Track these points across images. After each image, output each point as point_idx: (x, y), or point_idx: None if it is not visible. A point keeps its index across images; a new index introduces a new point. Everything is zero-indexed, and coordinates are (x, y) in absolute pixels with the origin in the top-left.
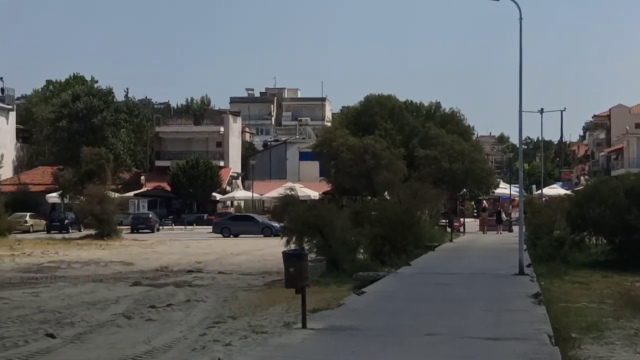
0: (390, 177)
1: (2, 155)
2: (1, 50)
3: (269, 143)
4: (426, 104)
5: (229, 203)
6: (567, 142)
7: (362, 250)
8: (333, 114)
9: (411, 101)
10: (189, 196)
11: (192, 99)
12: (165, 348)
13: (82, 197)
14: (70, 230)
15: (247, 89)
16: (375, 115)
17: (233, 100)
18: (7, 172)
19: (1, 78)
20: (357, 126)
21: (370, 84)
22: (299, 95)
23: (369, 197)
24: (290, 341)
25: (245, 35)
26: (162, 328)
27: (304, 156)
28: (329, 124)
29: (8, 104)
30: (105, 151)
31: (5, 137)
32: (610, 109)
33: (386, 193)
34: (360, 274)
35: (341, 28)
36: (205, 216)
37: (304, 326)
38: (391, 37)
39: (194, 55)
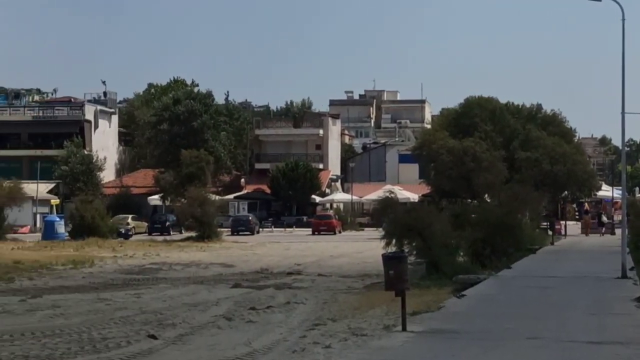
0: (491, 180)
1: (105, 158)
2: (105, 54)
3: (368, 145)
4: (527, 105)
5: (328, 205)
6: None
7: (462, 253)
8: (432, 116)
9: (512, 103)
10: (288, 198)
11: (291, 102)
12: (266, 350)
13: (183, 200)
14: (172, 233)
15: (347, 92)
16: (476, 117)
17: (332, 103)
18: (109, 175)
19: (104, 82)
20: (457, 128)
21: (471, 85)
22: (399, 98)
23: (469, 200)
24: (390, 344)
25: (345, 37)
26: (262, 330)
27: (403, 158)
28: (428, 126)
29: (110, 108)
30: (205, 154)
31: (108, 140)
32: None
33: (486, 196)
34: (460, 277)
35: (441, 29)
36: (305, 218)
37: (403, 329)
38: (492, 38)
39: (294, 58)
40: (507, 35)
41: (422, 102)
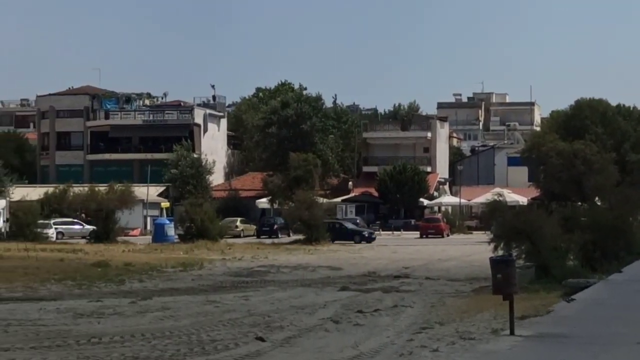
0: (602, 183)
1: (214, 162)
2: (214, 59)
3: (476, 148)
4: (639, 108)
5: (436, 208)
6: None
7: (571, 257)
8: (542, 119)
9: (623, 105)
10: (396, 201)
11: (399, 105)
12: (373, 353)
13: (291, 203)
14: (280, 235)
15: (455, 94)
16: (586, 120)
17: (440, 106)
18: (218, 178)
19: (213, 86)
20: (567, 131)
21: (581, 87)
22: (507, 100)
23: (579, 203)
24: (498, 348)
25: (453, 39)
26: (369, 333)
27: (512, 161)
28: (537, 129)
29: (219, 111)
30: (313, 157)
31: (217, 144)
32: None
33: (597, 199)
34: (570, 281)
35: (550, 30)
36: (413, 221)
37: (511, 333)
38: (602, 38)
39: (402, 60)
40: (618, 36)
41: (532, 104)
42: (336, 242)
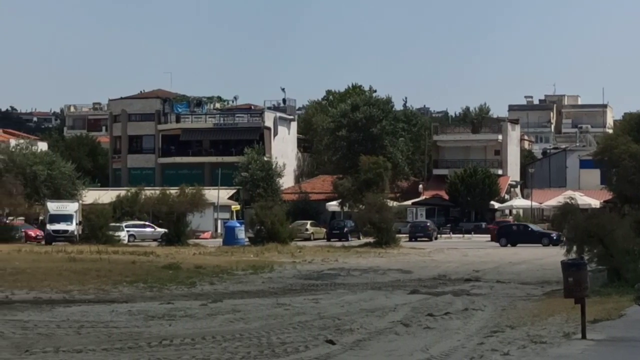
0: None
1: (284, 165)
2: (284, 62)
3: (548, 151)
4: None
5: (507, 212)
6: None
7: None
8: (615, 121)
9: None
10: (466, 204)
11: (469, 107)
12: (443, 356)
13: (361, 206)
14: (350, 238)
15: (526, 97)
16: None
17: (511, 108)
18: (288, 181)
19: (283, 89)
20: None
21: None
22: (579, 102)
23: None
24: (569, 352)
25: (524, 42)
26: (439, 336)
27: (584, 164)
28: (610, 131)
29: (290, 115)
30: (383, 160)
31: (287, 147)
32: None
33: None
34: None
35: (623, 31)
36: (484, 225)
37: (583, 337)
38: None
39: (473, 63)
40: None
41: (604, 106)
42: (520, 244)
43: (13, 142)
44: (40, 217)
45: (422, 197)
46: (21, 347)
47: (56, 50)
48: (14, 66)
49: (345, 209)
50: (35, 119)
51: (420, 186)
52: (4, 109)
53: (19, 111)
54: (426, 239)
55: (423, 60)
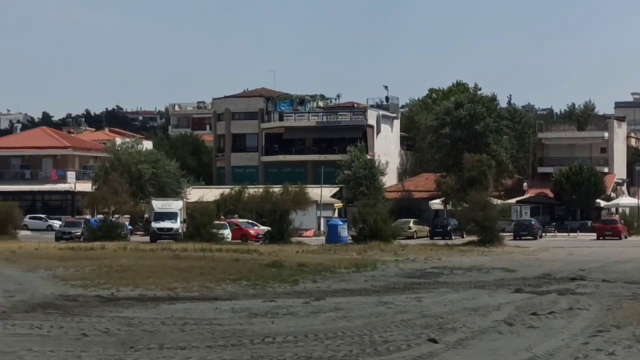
0: None
1: (387, 163)
2: (387, 59)
3: None
4: None
5: (613, 210)
6: None
7: None
8: None
9: None
10: (572, 203)
11: (575, 104)
12: (547, 356)
13: (464, 204)
14: (453, 237)
15: (633, 94)
16: None
17: (618, 105)
18: (391, 179)
19: (386, 87)
20: None
21: None
22: None
23: None
24: None
25: (633, 38)
26: (543, 336)
27: None
28: None
29: (392, 112)
30: (487, 158)
31: (390, 145)
32: None
33: None
34: None
35: None
36: (589, 223)
37: None
38: None
39: (578, 60)
40: None
41: None
42: None
43: (119, 140)
44: (145, 215)
45: (526, 195)
46: (126, 344)
47: (161, 49)
48: (120, 66)
49: (449, 207)
50: (140, 118)
51: (525, 184)
52: (110, 108)
53: (124, 110)
54: (530, 238)
55: (527, 57)
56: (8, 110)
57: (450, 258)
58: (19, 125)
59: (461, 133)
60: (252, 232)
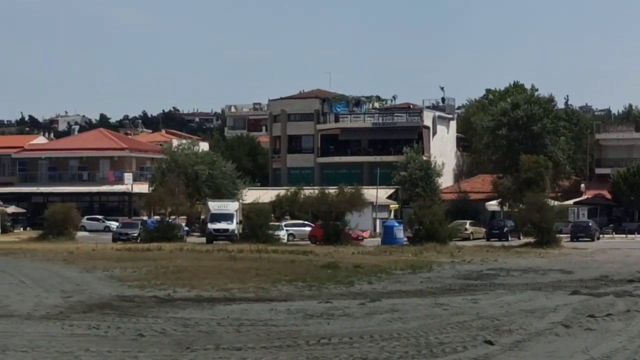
0: None
1: (443, 164)
2: (443, 60)
3: None
4: None
5: None
6: None
7: None
8: None
9: None
10: (630, 204)
11: (633, 105)
12: (604, 358)
13: (521, 205)
14: (510, 238)
15: None
16: None
17: None
18: (447, 180)
19: (442, 88)
20: None
21: None
22: None
23: None
24: None
25: None
26: (600, 338)
27: None
28: None
29: (449, 114)
30: (544, 159)
31: (446, 146)
32: None
33: None
34: None
35: None
36: None
37: None
38: None
39: (635, 60)
40: None
41: None
42: None
43: (175, 142)
44: (202, 216)
45: (583, 197)
46: (182, 344)
47: (218, 51)
48: (177, 68)
49: (505, 208)
50: (197, 119)
51: (582, 185)
52: (167, 110)
53: (181, 112)
54: (588, 239)
55: (585, 58)
56: (66, 112)
57: (506, 260)
58: (77, 127)
59: (518, 134)
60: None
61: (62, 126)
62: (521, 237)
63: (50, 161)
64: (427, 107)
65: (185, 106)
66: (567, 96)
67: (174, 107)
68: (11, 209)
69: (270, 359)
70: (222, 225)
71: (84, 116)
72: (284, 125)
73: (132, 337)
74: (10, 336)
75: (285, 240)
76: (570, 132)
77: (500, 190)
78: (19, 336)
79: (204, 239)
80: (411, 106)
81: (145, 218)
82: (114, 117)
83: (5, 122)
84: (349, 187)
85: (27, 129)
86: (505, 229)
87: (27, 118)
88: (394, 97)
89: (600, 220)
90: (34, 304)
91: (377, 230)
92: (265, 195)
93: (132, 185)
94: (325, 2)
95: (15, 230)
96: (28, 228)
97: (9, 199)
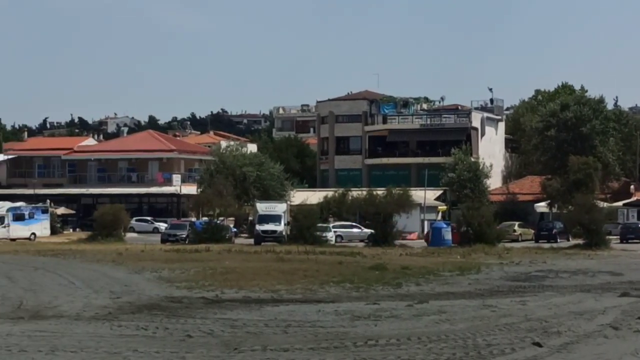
0: None
1: (491, 165)
2: (491, 61)
3: None
4: None
5: None
6: None
7: None
8: None
9: None
10: None
11: None
12: None
13: (570, 207)
14: (558, 240)
15: None
16: None
17: None
18: (496, 182)
19: (490, 89)
20: None
21: None
22: None
23: None
24: None
25: None
26: None
27: None
28: None
29: (497, 115)
30: (593, 160)
31: (495, 147)
32: None
33: None
34: None
35: None
36: None
37: None
38: None
39: None
40: None
41: None
42: None
43: (224, 144)
44: (250, 218)
45: (633, 198)
46: (230, 345)
47: (266, 53)
48: (225, 70)
49: (554, 210)
50: (245, 121)
51: (632, 187)
52: (215, 112)
53: (229, 113)
54: (638, 241)
55: (634, 58)
56: (115, 114)
57: (555, 261)
58: (126, 129)
59: (567, 135)
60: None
61: (111, 128)
62: (570, 239)
63: (100, 163)
64: (476, 109)
65: (233, 108)
66: (617, 97)
67: (222, 109)
68: (61, 210)
69: None
70: (270, 227)
71: (132, 118)
72: (332, 126)
73: (180, 338)
74: (60, 336)
75: (333, 242)
76: (620, 133)
77: (549, 191)
78: (68, 336)
79: (251, 240)
80: (459, 107)
81: (193, 219)
82: (163, 119)
83: (55, 124)
84: (396, 188)
85: (77, 130)
86: (554, 231)
87: (76, 120)
88: (442, 99)
89: None
90: (83, 305)
91: (425, 231)
92: (313, 196)
93: (181, 186)
94: (374, 3)
95: (64, 232)
96: (77, 229)
97: (58, 200)
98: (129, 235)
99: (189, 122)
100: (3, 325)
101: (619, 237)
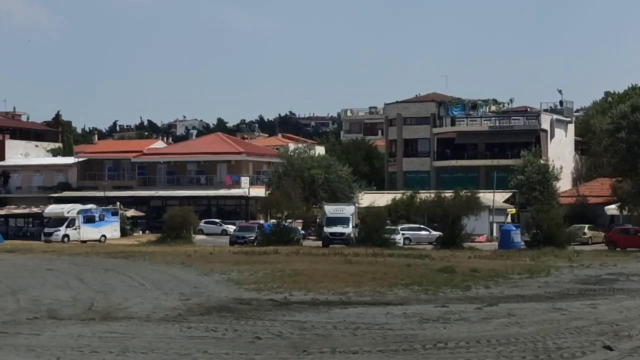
0: None
1: (561, 167)
2: (561, 63)
3: None
4: None
5: None
6: None
7: None
8: None
9: None
10: None
11: None
12: None
13: None
14: None
15: None
16: None
17: None
18: (565, 184)
19: (560, 91)
20: None
21: None
22: None
23: None
24: None
25: None
26: None
27: None
28: None
29: (567, 117)
30: None
31: (564, 149)
32: None
33: None
34: None
35: None
36: None
37: None
38: None
39: None
40: None
41: None
42: None
43: (292, 146)
44: (318, 220)
45: None
46: (299, 347)
47: (334, 55)
48: (293, 72)
49: (625, 212)
50: (313, 123)
51: None
52: (283, 114)
53: (297, 116)
54: None
55: None
56: (184, 117)
57: (626, 264)
58: (195, 132)
59: (638, 137)
60: None
61: (180, 130)
62: None
63: (169, 165)
64: (545, 111)
65: (301, 110)
66: None
67: (290, 111)
68: (131, 212)
69: None
70: (338, 229)
71: (201, 120)
72: (400, 128)
73: (249, 340)
74: (130, 338)
75: (401, 244)
76: None
77: (620, 194)
78: (138, 338)
79: (320, 243)
80: (528, 109)
81: (261, 221)
82: (231, 122)
83: (125, 127)
84: (465, 190)
85: (146, 133)
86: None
87: (146, 123)
88: (511, 101)
89: None
90: (153, 307)
91: (494, 234)
92: (381, 198)
93: (249, 189)
94: (442, 5)
95: (134, 234)
96: (147, 231)
97: (128, 202)
98: (198, 237)
99: (257, 125)
100: (75, 326)
101: None
